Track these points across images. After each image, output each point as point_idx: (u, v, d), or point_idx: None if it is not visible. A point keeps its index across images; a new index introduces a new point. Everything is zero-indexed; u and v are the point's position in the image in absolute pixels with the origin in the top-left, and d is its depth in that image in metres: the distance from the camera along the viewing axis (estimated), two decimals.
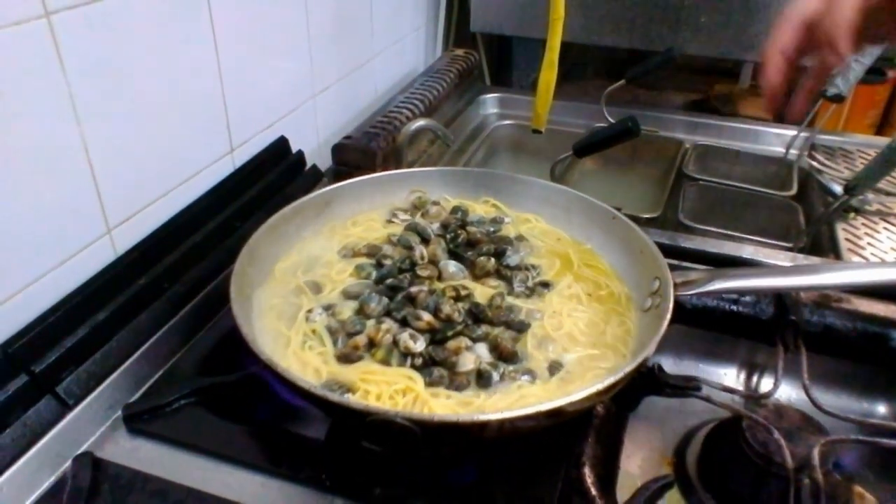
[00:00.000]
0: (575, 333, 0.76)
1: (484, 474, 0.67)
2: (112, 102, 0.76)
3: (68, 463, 0.68)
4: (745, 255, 0.99)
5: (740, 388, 0.86)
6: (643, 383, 0.78)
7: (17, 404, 0.67)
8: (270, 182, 1.03)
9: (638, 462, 0.76)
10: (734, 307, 0.90)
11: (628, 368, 0.62)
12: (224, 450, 0.69)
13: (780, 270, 0.88)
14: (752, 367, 0.90)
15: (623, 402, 0.78)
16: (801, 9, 0.66)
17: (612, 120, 1.26)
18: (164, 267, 0.84)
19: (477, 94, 1.58)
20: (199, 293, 0.87)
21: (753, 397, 0.80)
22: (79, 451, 0.70)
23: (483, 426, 0.56)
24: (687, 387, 0.76)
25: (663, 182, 1.29)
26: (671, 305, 0.71)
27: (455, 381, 0.67)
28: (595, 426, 0.70)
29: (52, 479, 0.67)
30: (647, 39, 1.49)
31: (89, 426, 0.72)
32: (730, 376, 0.89)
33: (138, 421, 0.73)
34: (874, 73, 1.82)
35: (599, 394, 0.60)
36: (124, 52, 0.77)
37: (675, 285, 0.74)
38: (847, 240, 1.09)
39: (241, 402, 0.76)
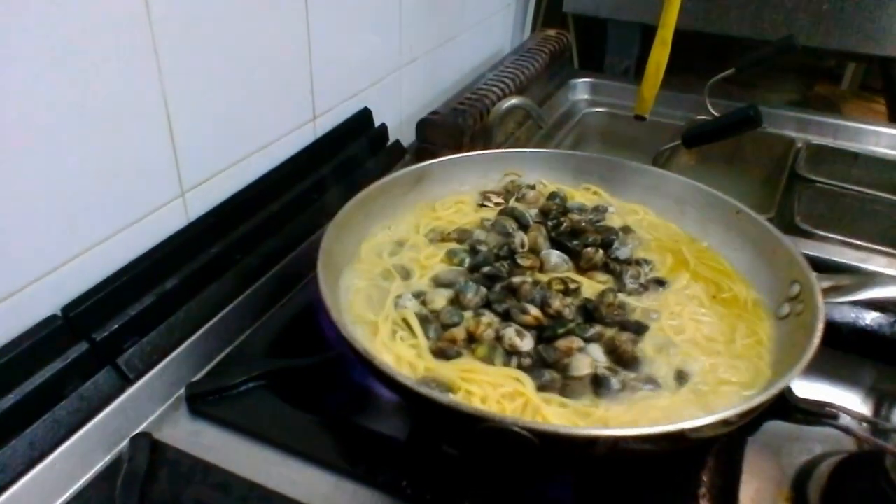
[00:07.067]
0: (699, 339, 0.66)
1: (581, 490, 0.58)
2: (197, 58, 0.70)
3: (125, 442, 0.62)
4: (872, 267, 0.88)
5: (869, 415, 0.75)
6: (770, 405, 0.68)
7: (76, 374, 0.60)
8: (351, 154, 0.96)
9: (751, 494, 0.66)
10: (864, 323, 0.79)
11: (780, 385, 0.52)
12: (294, 442, 0.62)
13: None
14: (881, 394, 0.79)
15: (745, 425, 0.68)
16: None
17: (715, 113, 1.15)
18: (237, 236, 0.77)
19: (567, 77, 1.48)
20: (273, 267, 0.80)
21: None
22: (137, 431, 0.63)
23: (614, 442, 0.47)
24: (821, 414, 0.66)
25: (772, 182, 1.17)
26: (822, 315, 0.60)
27: (568, 387, 0.58)
28: (715, 452, 0.60)
29: (108, 458, 0.61)
30: (758, 28, 1.37)
31: (149, 404, 0.66)
32: (853, 402, 0.77)
33: (202, 402, 0.66)
34: None
35: (747, 413, 0.51)
36: (213, 7, 0.70)
37: (824, 291, 0.64)
38: None
39: (314, 389, 0.69)
